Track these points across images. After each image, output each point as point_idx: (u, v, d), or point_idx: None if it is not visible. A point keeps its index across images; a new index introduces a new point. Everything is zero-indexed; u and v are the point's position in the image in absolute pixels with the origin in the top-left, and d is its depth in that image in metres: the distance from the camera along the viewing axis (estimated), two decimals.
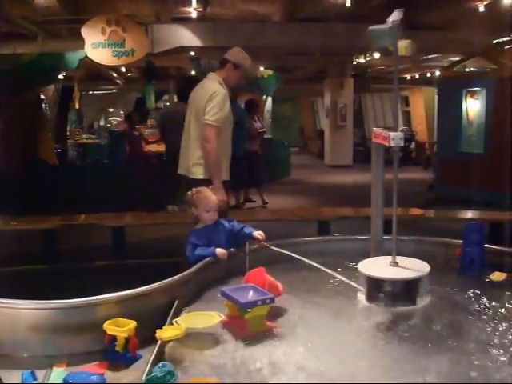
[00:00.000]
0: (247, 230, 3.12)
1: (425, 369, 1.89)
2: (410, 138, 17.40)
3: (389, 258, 2.65)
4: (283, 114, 25.32)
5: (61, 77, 12.05)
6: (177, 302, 2.38)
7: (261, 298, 2.23)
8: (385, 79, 17.16)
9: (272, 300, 2.25)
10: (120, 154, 10.50)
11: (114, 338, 2.01)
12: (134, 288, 2.28)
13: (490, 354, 1.99)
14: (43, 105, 12.51)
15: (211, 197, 3.08)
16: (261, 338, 2.16)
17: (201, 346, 2.09)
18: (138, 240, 6.72)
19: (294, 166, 15.13)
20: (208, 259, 2.87)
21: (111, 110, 20.30)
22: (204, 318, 2.21)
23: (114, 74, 15.66)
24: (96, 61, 9.56)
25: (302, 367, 1.92)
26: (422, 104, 19.56)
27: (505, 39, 10.50)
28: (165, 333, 2.05)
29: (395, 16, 2.51)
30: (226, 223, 3.15)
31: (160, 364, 1.82)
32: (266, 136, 10.02)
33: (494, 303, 2.50)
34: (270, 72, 14.66)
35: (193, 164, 4.17)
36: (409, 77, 17.51)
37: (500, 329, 2.22)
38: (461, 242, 3.05)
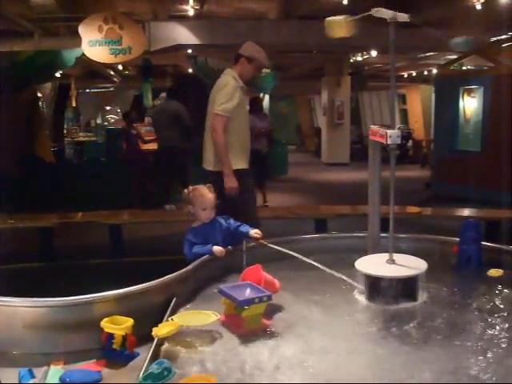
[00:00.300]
0: (244, 228, 3.13)
1: (425, 366, 1.89)
2: (407, 135, 17.42)
3: (386, 256, 2.65)
4: (280, 112, 25.29)
5: (58, 75, 12.04)
6: (174, 299, 2.38)
7: (258, 296, 2.23)
8: (382, 77, 17.17)
9: (269, 298, 2.25)
10: (117, 152, 10.49)
11: (111, 336, 2.01)
12: (132, 286, 2.28)
13: (491, 350, 1.99)
14: (40, 103, 12.49)
15: (207, 195, 3.08)
16: (258, 335, 2.16)
17: (198, 343, 2.09)
18: (135, 238, 6.72)
19: (291, 164, 15.15)
20: (205, 257, 2.87)
21: (108, 107, 20.22)
22: (200, 316, 2.21)
23: (111, 72, 15.63)
24: (93, 58, 9.53)
25: (300, 365, 1.91)
26: (419, 102, 19.59)
27: (502, 37, 10.51)
28: (161, 330, 2.05)
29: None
30: (222, 221, 3.15)
31: (157, 361, 1.82)
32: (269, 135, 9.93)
33: (491, 300, 2.51)
34: (268, 70, 14.64)
35: (208, 156, 4.33)
36: (406, 75, 17.54)
37: (500, 325, 2.23)
38: (458, 239, 3.06)
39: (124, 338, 2.01)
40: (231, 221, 3.18)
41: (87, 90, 20.75)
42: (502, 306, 2.44)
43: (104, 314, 2.07)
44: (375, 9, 2.56)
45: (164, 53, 10.93)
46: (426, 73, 16.94)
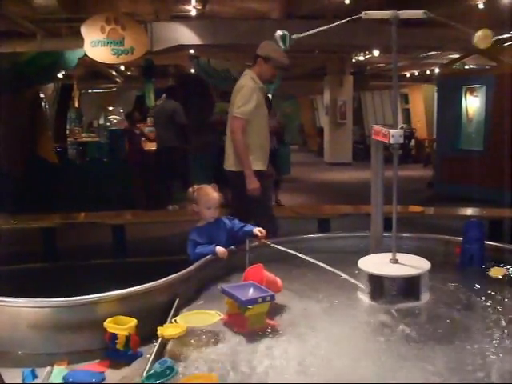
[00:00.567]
0: (247, 228, 3.14)
1: (428, 366, 1.88)
2: (409, 135, 17.42)
3: (389, 255, 2.65)
4: (283, 112, 25.26)
5: (60, 75, 12.06)
6: (178, 299, 2.38)
7: (261, 295, 2.23)
8: (384, 76, 17.17)
9: (272, 297, 2.25)
10: (119, 153, 10.51)
11: (114, 336, 2.01)
12: (135, 286, 2.28)
13: (494, 350, 1.99)
14: (43, 103, 12.51)
15: (212, 193, 3.09)
16: (261, 335, 2.16)
17: (201, 343, 2.09)
18: (138, 238, 6.73)
19: (294, 164, 15.12)
20: (208, 257, 2.87)
21: (111, 108, 20.25)
22: (203, 316, 2.22)
23: (114, 73, 15.66)
24: (95, 59, 9.56)
25: (303, 365, 1.91)
26: (422, 101, 19.58)
27: (504, 36, 10.50)
28: (166, 330, 2.05)
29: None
30: (226, 221, 3.15)
31: (160, 360, 1.83)
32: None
33: (494, 298, 2.50)
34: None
35: (229, 157, 4.38)
36: (408, 74, 17.52)
37: (503, 324, 2.22)
38: (460, 239, 3.05)
39: (127, 338, 2.01)
40: (236, 221, 3.19)
41: (90, 91, 20.81)
42: (504, 305, 2.43)
43: (107, 315, 2.07)
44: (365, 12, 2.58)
45: (166, 53, 10.94)
46: (428, 72, 16.93)
